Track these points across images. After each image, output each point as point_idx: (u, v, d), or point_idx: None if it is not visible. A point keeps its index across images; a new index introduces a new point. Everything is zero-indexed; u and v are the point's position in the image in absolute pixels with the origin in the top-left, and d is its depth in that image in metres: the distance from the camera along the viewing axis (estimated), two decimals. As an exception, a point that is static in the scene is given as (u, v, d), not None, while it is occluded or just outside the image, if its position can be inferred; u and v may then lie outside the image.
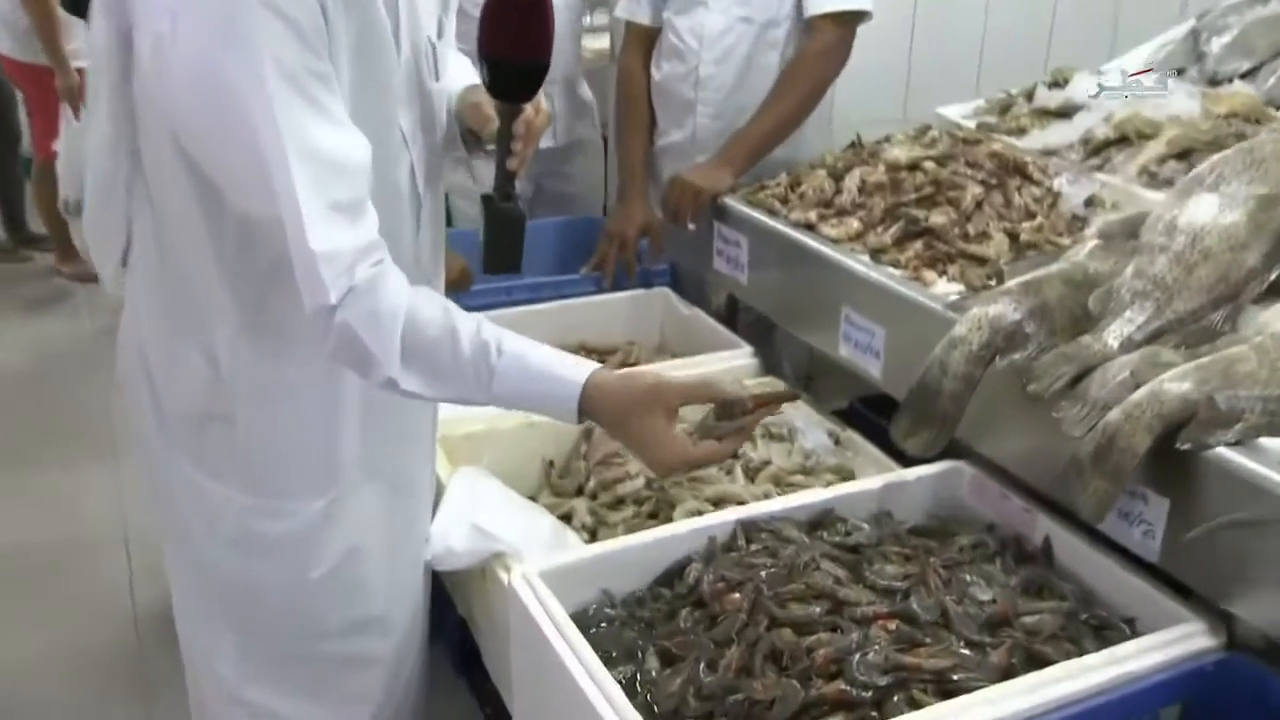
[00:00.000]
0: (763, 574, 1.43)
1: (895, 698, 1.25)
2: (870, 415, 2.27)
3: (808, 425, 1.93)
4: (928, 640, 1.31)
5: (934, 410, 1.52)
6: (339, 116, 1.16)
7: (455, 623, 1.87)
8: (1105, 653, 1.27)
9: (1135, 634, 1.39)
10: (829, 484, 1.75)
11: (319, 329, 1.18)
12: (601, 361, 2.24)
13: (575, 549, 1.50)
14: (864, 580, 1.40)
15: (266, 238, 1.18)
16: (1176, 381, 1.32)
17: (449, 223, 1.97)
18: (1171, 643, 1.30)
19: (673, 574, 1.50)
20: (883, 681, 1.25)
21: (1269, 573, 1.23)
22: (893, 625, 1.33)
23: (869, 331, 1.81)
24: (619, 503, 1.79)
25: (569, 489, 1.88)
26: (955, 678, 1.26)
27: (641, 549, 1.48)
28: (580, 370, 1.26)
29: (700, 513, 1.66)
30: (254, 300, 1.28)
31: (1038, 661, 1.32)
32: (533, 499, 1.86)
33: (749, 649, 1.33)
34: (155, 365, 1.35)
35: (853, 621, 1.34)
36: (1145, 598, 1.40)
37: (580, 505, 1.82)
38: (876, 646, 1.29)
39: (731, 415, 1.30)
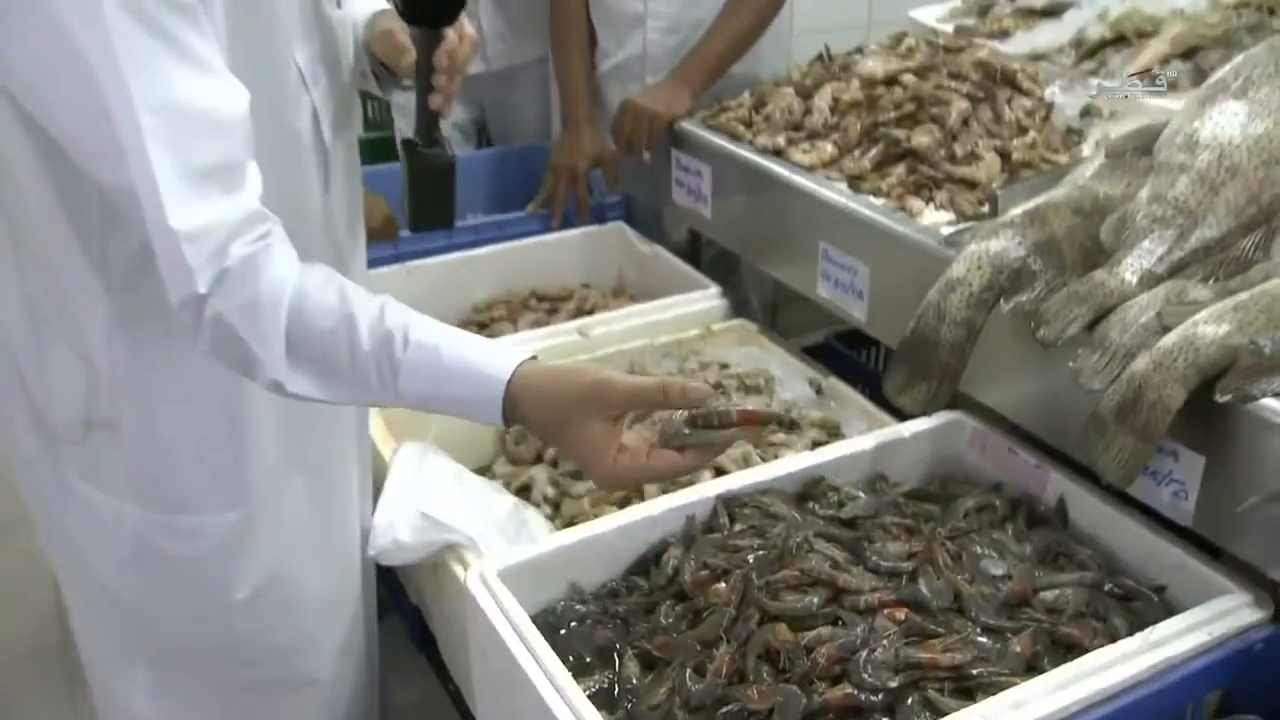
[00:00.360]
0: (750, 558, 1.27)
1: (909, 699, 1.10)
2: (847, 352, 2.12)
3: (786, 374, 1.76)
4: (940, 630, 1.16)
5: (932, 362, 1.35)
6: (206, 59, 0.94)
7: (411, 600, 1.70)
8: (1140, 636, 1.12)
9: (1165, 604, 1.25)
10: (814, 443, 1.58)
11: (188, 322, 0.98)
12: (554, 310, 2.09)
13: (537, 541, 1.33)
14: (864, 562, 1.24)
15: (127, 213, 0.97)
16: (1213, 324, 1.16)
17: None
18: (1214, 619, 1.15)
19: (648, 561, 1.33)
20: (894, 682, 1.10)
21: None
22: (901, 614, 1.17)
23: (850, 269, 1.63)
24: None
25: (526, 456, 1.70)
26: (975, 673, 1.11)
27: (611, 536, 1.31)
28: (504, 364, 1.04)
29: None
30: (126, 287, 1.08)
31: (1063, 645, 1.17)
32: (487, 469, 1.69)
33: (740, 649, 1.17)
34: (25, 366, 1.14)
35: (855, 612, 1.18)
36: (1176, 564, 1.25)
37: (540, 475, 1.64)
38: (885, 641, 1.13)
39: (710, 426, 1.08)
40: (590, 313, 2.00)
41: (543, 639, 1.16)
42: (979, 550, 1.28)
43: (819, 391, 1.73)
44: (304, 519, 1.28)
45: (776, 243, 1.80)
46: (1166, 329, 1.21)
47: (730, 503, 1.36)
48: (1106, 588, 1.26)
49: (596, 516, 1.53)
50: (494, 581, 1.22)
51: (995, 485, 1.43)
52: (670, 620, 1.23)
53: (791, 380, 1.74)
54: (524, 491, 1.63)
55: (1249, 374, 1.14)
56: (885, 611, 1.17)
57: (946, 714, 1.07)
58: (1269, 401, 1.12)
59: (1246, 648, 1.14)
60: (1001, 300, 1.33)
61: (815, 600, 1.19)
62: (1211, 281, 1.27)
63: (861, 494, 1.38)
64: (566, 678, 1.11)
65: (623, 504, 1.55)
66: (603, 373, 1.05)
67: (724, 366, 1.75)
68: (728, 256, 2.18)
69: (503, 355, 1.05)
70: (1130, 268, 1.30)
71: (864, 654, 1.12)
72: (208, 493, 1.19)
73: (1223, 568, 1.22)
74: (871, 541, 1.26)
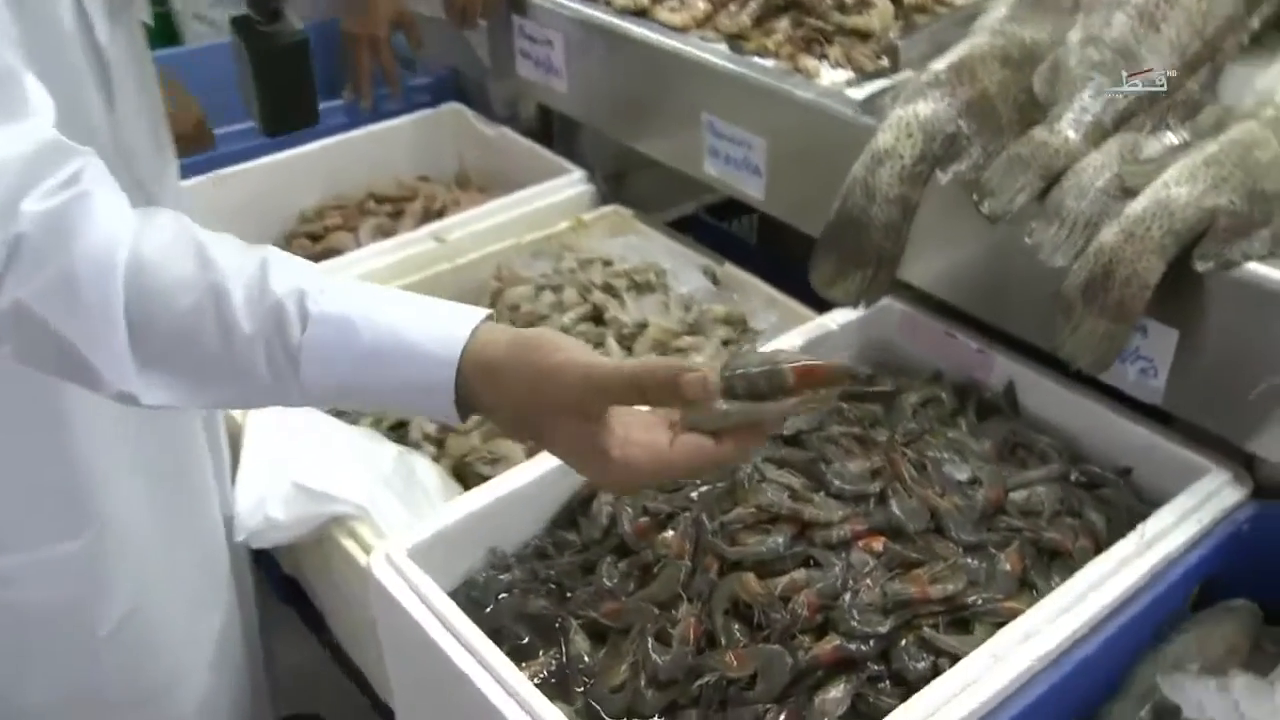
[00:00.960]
0: (694, 496, 1.11)
1: (904, 641, 0.98)
2: (719, 225, 1.95)
3: (676, 264, 1.58)
4: (923, 557, 1.04)
5: (865, 247, 1.20)
6: None
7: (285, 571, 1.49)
8: (1134, 537, 1.02)
9: (1132, 488, 1.17)
10: (726, 343, 1.42)
11: None
12: (398, 213, 1.83)
13: (440, 504, 1.13)
14: (826, 487, 1.10)
15: None
16: (1186, 184, 1.04)
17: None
18: (1201, 504, 1.07)
19: (574, 510, 1.16)
20: (885, 626, 0.98)
21: None
22: (878, 544, 1.04)
23: (743, 143, 1.45)
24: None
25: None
26: (969, 601, 1.00)
27: (530, 489, 1.13)
28: (450, 335, 0.76)
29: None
30: None
31: (1047, 552, 1.08)
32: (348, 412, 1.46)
33: (704, 607, 1.02)
34: None
35: (828, 548, 1.04)
36: (1144, 445, 1.17)
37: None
38: (868, 580, 1.00)
39: (756, 396, 0.77)
40: (440, 213, 1.76)
41: (475, 627, 0.98)
42: (939, 455, 1.15)
43: (715, 280, 1.56)
44: (156, 525, 1.04)
45: (649, 118, 1.60)
46: (1128, 191, 1.08)
47: (657, 431, 1.19)
48: (1073, 477, 1.17)
49: (490, 455, 1.35)
50: (404, 563, 1.03)
51: (935, 374, 1.31)
52: (615, 581, 1.07)
53: (684, 271, 1.57)
54: (398, 431, 1.43)
55: (1228, 237, 1.03)
56: (860, 543, 1.04)
57: (947, 653, 0.97)
58: (1250, 265, 1.02)
59: (1235, 530, 1.07)
60: (938, 171, 1.18)
61: (780, 540, 1.04)
62: (1164, 131, 1.15)
63: (801, 404, 1.23)
64: (509, 668, 0.95)
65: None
66: (577, 357, 0.74)
67: (607, 263, 1.56)
68: (567, 129, 1.96)
69: (447, 320, 0.77)
70: (1071, 123, 1.16)
71: (847, 597, 0.99)
72: (39, 523, 0.93)
73: (1196, 445, 1.14)
74: (828, 462, 1.12)
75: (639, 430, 0.75)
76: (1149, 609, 0.99)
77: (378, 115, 1.95)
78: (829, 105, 1.33)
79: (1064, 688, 0.93)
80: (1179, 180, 1.04)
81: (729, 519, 1.07)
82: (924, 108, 1.18)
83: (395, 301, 0.78)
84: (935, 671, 0.96)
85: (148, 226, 0.74)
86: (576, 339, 0.78)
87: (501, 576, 1.10)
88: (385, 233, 1.73)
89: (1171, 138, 1.13)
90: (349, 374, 0.75)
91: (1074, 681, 0.94)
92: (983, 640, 0.96)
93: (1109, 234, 1.06)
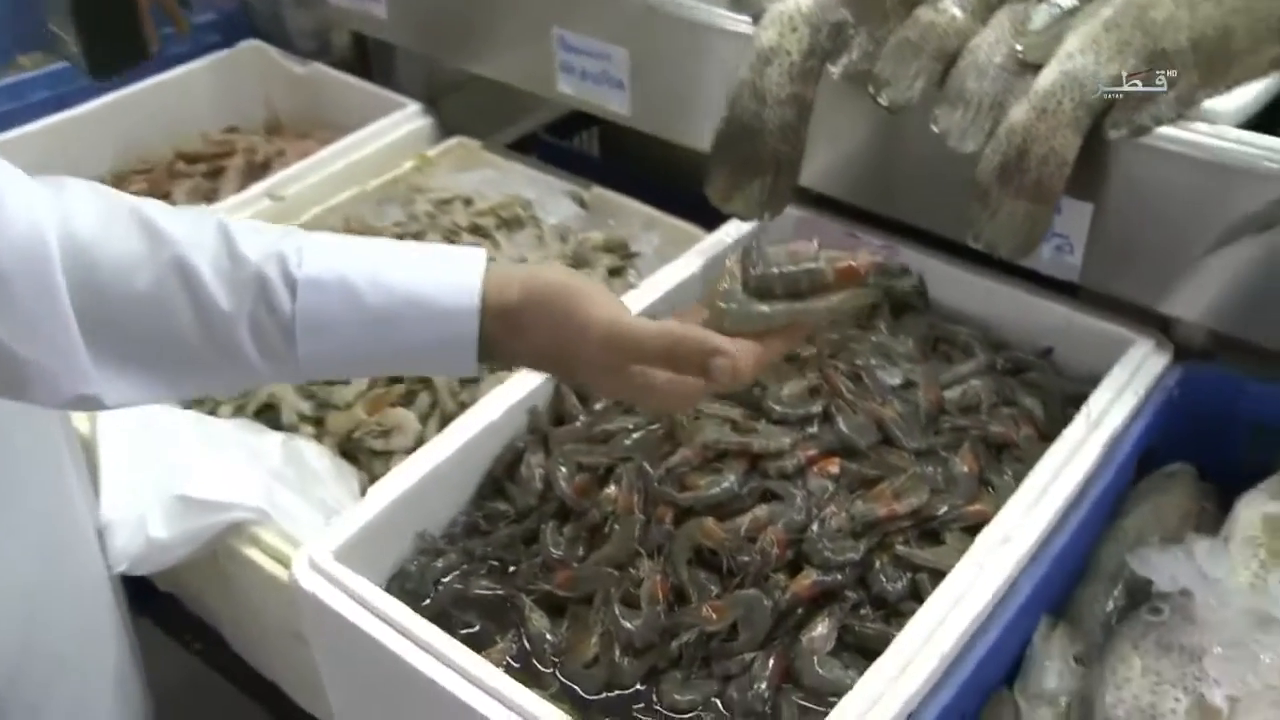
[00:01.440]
0: (627, 443, 1.04)
1: (878, 564, 0.95)
2: (562, 144, 1.84)
3: (540, 194, 1.48)
4: (880, 472, 1.00)
5: (761, 154, 1.13)
6: None
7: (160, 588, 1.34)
8: (1080, 420, 1.01)
9: (1054, 367, 1.16)
10: (613, 272, 1.34)
11: None
12: (217, 172, 1.64)
13: (371, 499, 0.99)
14: (768, 414, 1.04)
15: None
16: (1089, 53, 1.01)
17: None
18: (1134, 375, 1.06)
19: (498, 477, 1.07)
20: (857, 553, 0.93)
21: (1217, 258, 1.00)
22: (834, 467, 1.00)
23: (601, 56, 1.35)
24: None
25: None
26: (939, 512, 0.97)
27: (448, 464, 1.03)
28: (464, 286, 0.70)
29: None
30: None
31: (996, 447, 1.06)
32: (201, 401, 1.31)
33: (666, 562, 0.96)
34: None
35: (784, 479, 0.99)
36: (1061, 324, 1.16)
37: (283, 389, 1.30)
38: (832, 506, 0.96)
39: (795, 295, 0.76)
40: (265, 167, 1.59)
41: (427, 622, 0.89)
42: (868, 362, 1.11)
43: (583, 204, 1.47)
44: (24, 567, 0.90)
45: (488, 37, 1.47)
46: (1027, 66, 1.05)
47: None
48: (998, 366, 1.15)
49: (380, 427, 1.24)
50: (331, 566, 0.92)
51: (840, 277, 1.26)
52: (562, 548, 0.99)
53: (549, 200, 1.47)
54: (266, 416, 1.29)
55: (1139, 102, 1.01)
56: (815, 469, 0.99)
57: (925, 569, 0.93)
58: (1161, 130, 1.00)
59: (1167, 397, 1.07)
60: (829, 65, 1.12)
61: (733, 477, 0.98)
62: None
63: (719, 329, 1.17)
64: (473, 659, 0.86)
65: (408, 399, 1.26)
66: (598, 314, 0.71)
67: (468, 201, 1.44)
68: (385, 58, 1.81)
69: (454, 266, 0.71)
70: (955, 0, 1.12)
71: (815, 527, 0.95)
72: None
73: (1113, 317, 1.13)
74: (764, 387, 1.06)
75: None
76: (1108, 489, 0.99)
77: (164, 62, 1.73)
78: (695, 6, 1.24)
79: (1046, 583, 0.91)
80: (1082, 49, 1.01)
81: (674, 463, 1.00)
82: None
83: (387, 251, 0.71)
84: (915, 589, 0.93)
85: (69, 201, 0.63)
86: (579, 274, 0.74)
87: (436, 563, 1.01)
88: (205, 196, 1.56)
89: (1060, 2, 1.10)
90: (355, 342, 0.69)
91: (1053, 574, 0.92)
92: (956, 549, 0.93)
93: (1019, 113, 1.02)
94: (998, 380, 1.12)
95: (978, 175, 1.05)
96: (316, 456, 1.19)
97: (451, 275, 0.70)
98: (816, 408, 1.03)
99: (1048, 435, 1.08)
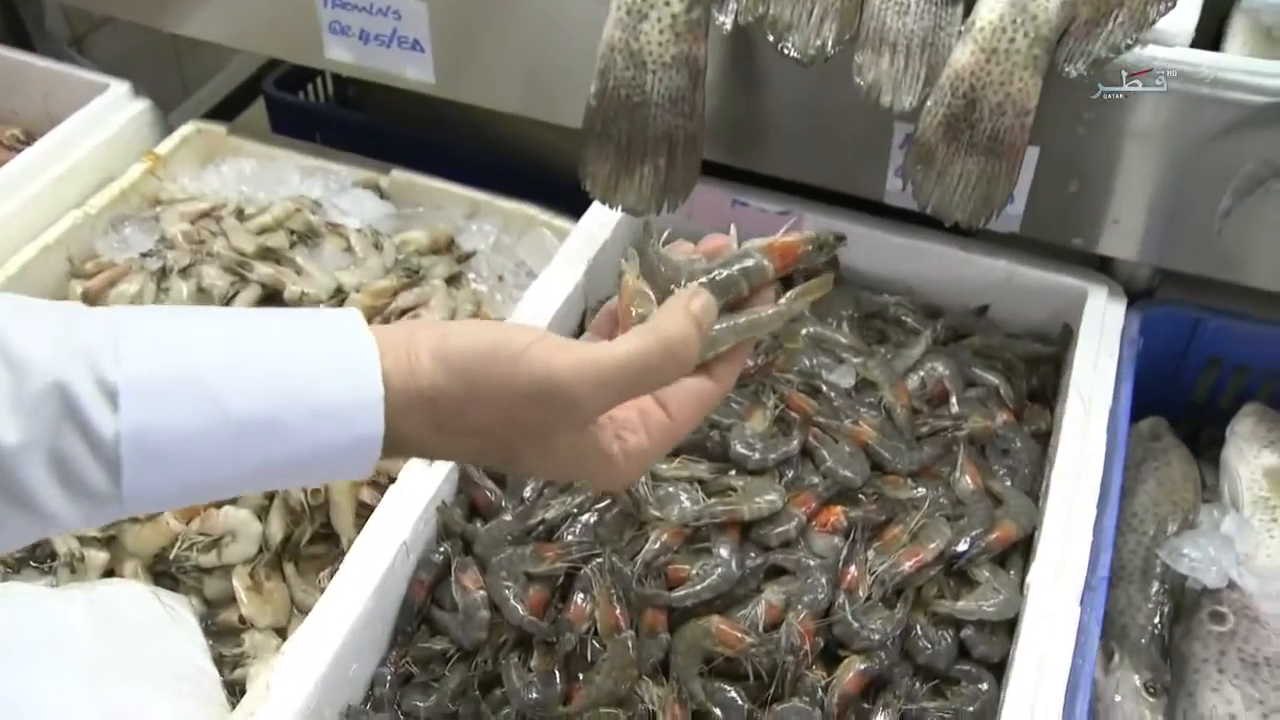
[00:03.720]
0: (578, 530, 0.83)
1: (917, 628, 0.80)
2: (296, 99, 1.51)
3: (326, 187, 1.18)
4: (884, 514, 0.84)
5: (647, 132, 0.92)
6: None
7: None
8: (1075, 402, 0.90)
9: (995, 325, 1.04)
10: (450, 281, 1.09)
11: None
12: None
13: (286, 691, 0.74)
14: (740, 464, 0.85)
15: None
16: (1032, -19, 0.86)
17: None
18: (1103, 331, 0.96)
19: (418, 605, 0.83)
20: (897, 619, 0.79)
21: (1168, 198, 0.92)
22: (835, 516, 0.83)
23: (390, 13, 1.07)
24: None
25: None
26: (961, 549, 0.83)
27: (362, 613, 0.78)
28: (358, 370, 0.51)
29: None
30: None
31: (978, 442, 0.93)
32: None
33: (678, 686, 0.77)
34: None
35: (785, 547, 0.81)
36: (1000, 279, 1.03)
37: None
38: (852, 570, 0.80)
39: (739, 301, 0.60)
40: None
41: None
42: (811, 363, 0.95)
43: (383, 195, 1.19)
44: None
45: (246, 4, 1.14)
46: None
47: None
48: (935, 336, 1.01)
49: (205, 536, 0.97)
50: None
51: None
52: (536, 692, 0.78)
53: (340, 195, 1.17)
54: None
55: (1090, 29, 0.88)
56: (818, 526, 0.82)
57: (971, 622, 0.80)
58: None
59: (1135, 349, 0.97)
60: (715, 14, 0.91)
61: (724, 553, 0.80)
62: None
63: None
64: None
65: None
66: (557, 359, 0.52)
67: (243, 215, 1.13)
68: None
69: (332, 340, 0.52)
70: (843, -82, 0.93)
71: (842, 601, 0.78)
72: None
73: (1057, 265, 1.02)
74: (723, 428, 0.87)
75: (619, 407, 0.56)
76: (1120, 473, 0.88)
77: None
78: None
79: (1097, 599, 0.80)
80: (1021, -22, 0.86)
81: (650, 551, 0.80)
82: (675, -64, 0.89)
83: (236, 325, 0.52)
84: (963, 648, 0.80)
85: None
86: (527, 327, 0.59)
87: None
88: None
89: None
90: (211, 462, 0.49)
91: (1103, 589, 0.81)
92: (993, 586, 0.81)
93: (962, 54, 0.87)
94: (951, 358, 0.98)
95: (920, 134, 0.89)
96: (137, 602, 0.90)
97: (335, 355, 0.51)
98: (794, 444, 0.86)
99: (1018, 411, 0.97)
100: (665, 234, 0.62)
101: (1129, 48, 0.87)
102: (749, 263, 0.60)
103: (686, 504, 0.81)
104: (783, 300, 0.61)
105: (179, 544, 0.96)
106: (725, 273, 0.59)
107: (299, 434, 0.50)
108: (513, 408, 0.52)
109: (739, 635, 0.77)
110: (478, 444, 0.55)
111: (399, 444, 0.53)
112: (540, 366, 0.52)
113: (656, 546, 0.80)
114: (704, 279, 0.59)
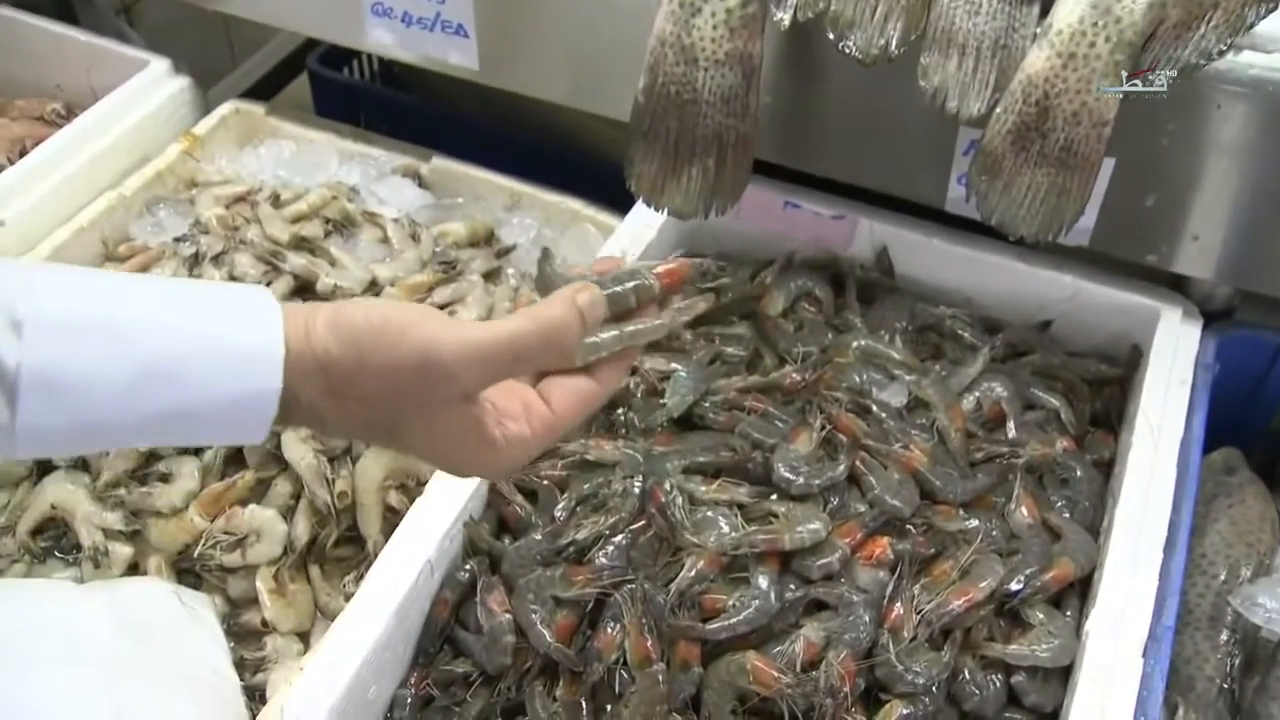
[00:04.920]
0: (607, 556, 0.79)
1: (964, 672, 0.75)
2: (341, 77, 1.47)
3: (365, 173, 1.15)
4: (932, 548, 0.80)
5: (696, 131, 0.87)
6: None
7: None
8: (1144, 431, 0.84)
9: (1058, 344, 0.98)
10: (488, 276, 1.05)
11: None
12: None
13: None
14: (783, 487, 0.81)
15: None
16: (1117, -19, 0.80)
17: None
18: (1176, 355, 0.90)
19: (443, 624, 0.80)
20: (944, 662, 0.74)
21: (1253, 215, 0.86)
22: (881, 550, 0.78)
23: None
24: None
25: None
26: (1015, 589, 0.78)
27: (385, 631, 0.75)
28: (262, 327, 0.54)
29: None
30: None
31: (1036, 470, 0.87)
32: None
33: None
34: None
35: (827, 581, 0.77)
36: (1066, 295, 0.98)
37: (71, 497, 0.96)
38: (898, 608, 0.75)
39: (626, 313, 0.63)
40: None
41: None
42: (860, 379, 0.90)
43: (422, 183, 1.15)
44: None
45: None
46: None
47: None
48: (992, 352, 0.95)
49: (230, 535, 0.94)
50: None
51: (786, 260, 1.02)
52: (560, 722, 0.74)
53: (379, 182, 1.14)
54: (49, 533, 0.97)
55: (1179, 32, 0.81)
56: (863, 558, 0.78)
57: (1024, 666, 0.75)
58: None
59: (1210, 375, 0.91)
60: (773, 9, 0.86)
61: (763, 585, 0.76)
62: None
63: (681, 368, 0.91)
64: None
65: (259, 493, 0.96)
66: (442, 335, 0.55)
67: (278, 201, 1.09)
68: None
69: (239, 304, 0.55)
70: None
71: (885, 640, 0.74)
72: None
73: (1128, 282, 0.96)
74: (767, 449, 0.83)
75: (502, 397, 0.59)
76: (1191, 511, 0.82)
77: None
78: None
79: (1162, 650, 0.75)
80: (1105, -22, 0.80)
81: (685, 580, 0.76)
82: (736, -80, 0.84)
83: (151, 286, 0.56)
84: (1013, 695, 0.75)
85: None
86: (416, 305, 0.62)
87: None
88: None
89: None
90: (108, 404, 0.50)
91: (1169, 639, 0.76)
92: (1047, 629, 0.76)
93: (1037, 59, 0.81)
94: (1010, 378, 0.93)
95: (987, 143, 0.84)
96: (157, 603, 0.88)
97: (240, 315, 0.54)
98: (840, 469, 0.81)
99: (1079, 438, 0.91)
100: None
101: (1222, 54, 0.81)
102: (637, 281, 0.64)
103: (725, 530, 0.77)
104: (665, 313, 0.65)
105: (203, 541, 0.94)
106: (615, 288, 0.62)
107: (199, 383, 0.52)
108: (398, 377, 0.55)
109: (775, 674, 0.73)
110: (366, 414, 0.56)
111: (294, 407, 0.55)
112: (424, 338, 0.54)
113: (692, 574, 0.76)
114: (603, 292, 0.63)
